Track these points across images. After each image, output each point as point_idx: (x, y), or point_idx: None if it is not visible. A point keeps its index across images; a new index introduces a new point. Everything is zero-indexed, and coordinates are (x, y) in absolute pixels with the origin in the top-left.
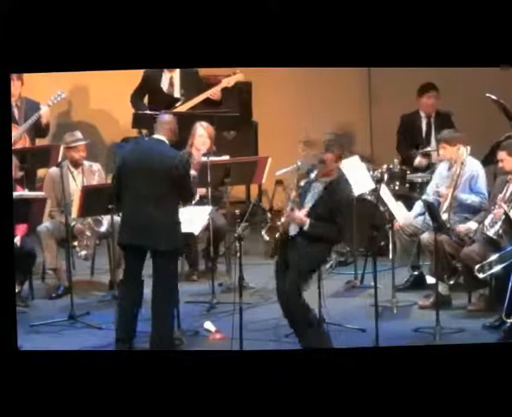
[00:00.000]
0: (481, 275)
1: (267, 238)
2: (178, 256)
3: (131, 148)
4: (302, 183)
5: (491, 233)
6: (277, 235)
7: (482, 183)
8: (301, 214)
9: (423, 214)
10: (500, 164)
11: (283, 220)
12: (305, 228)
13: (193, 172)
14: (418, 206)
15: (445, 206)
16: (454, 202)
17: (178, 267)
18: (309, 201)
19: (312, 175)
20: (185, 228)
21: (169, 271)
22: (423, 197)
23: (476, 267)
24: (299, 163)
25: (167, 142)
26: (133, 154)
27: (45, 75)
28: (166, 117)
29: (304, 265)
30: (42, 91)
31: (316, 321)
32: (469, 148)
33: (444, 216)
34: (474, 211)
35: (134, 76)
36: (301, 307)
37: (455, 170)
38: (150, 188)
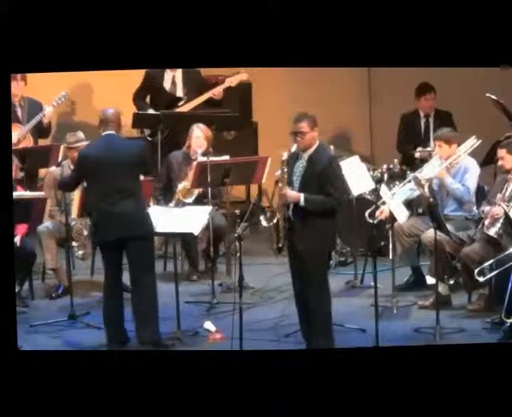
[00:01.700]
0: (481, 279)
1: (265, 224)
2: (152, 246)
3: (91, 149)
4: (284, 157)
5: (491, 232)
6: (275, 220)
7: (470, 178)
8: (294, 192)
9: (422, 214)
10: (500, 162)
11: (278, 203)
12: (301, 203)
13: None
14: (408, 189)
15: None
16: (438, 185)
17: (155, 260)
18: (297, 180)
19: (293, 149)
20: (185, 228)
21: (145, 261)
22: (414, 174)
23: (476, 270)
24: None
25: (117, 134)
26: (96, 153)
27: (46, 75)
28: (110, 113)
29: (312, 253)
30: (43, 91)
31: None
32: (477, 142)
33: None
34: (458, 202)
35: (135, 76)
36: (326, 303)
37: (455, 155)
38: (117, 182)
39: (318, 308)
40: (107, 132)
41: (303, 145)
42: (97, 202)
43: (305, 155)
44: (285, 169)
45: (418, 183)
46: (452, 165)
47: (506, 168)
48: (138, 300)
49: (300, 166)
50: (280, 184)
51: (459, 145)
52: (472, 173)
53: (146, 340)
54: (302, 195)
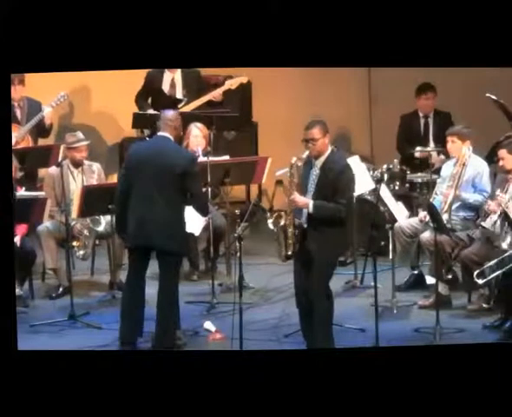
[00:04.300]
0: (480, 281)
1: (273, 227)
2: (183, 256)
3: (139, 148)
4: (299, 163)
5: (487, 225)
6: (281, 223)
7: (486, 181)
8: (303, 197)
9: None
10: (500, 162)
11: (288, 208)
12: (310, 209)
13: None
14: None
15: (446, 206)
16: (456, 202)
17: (179, 271)
18: (311, 188)
19: (304, 155)
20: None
21: (175, 271)
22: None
23: (476, 272)
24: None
25: (172, 139)
26: (140, 153)
27: (46, 75)
28: (169, 114)
29: (323, 259)
30: (43, 92)
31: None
32: (471, 148)
33: (445, 217)
34: (476, 210)
35: (134, 77)
36: (329, 307)
37: (457, 171)
38: (157, 188)
39: (323, 310)
40: (160, 133)
41: (315, 152)
42: (134, 203)
43: (318, 163)
44: (295, 174)
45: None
46: (460, 177)
47: (506, 168)
48: (160, 305)
49: (314, 173)
50: (289, 189)
51: (470, 143)
52: (485, 177)
53: (162, 347)
54: (311, 202)
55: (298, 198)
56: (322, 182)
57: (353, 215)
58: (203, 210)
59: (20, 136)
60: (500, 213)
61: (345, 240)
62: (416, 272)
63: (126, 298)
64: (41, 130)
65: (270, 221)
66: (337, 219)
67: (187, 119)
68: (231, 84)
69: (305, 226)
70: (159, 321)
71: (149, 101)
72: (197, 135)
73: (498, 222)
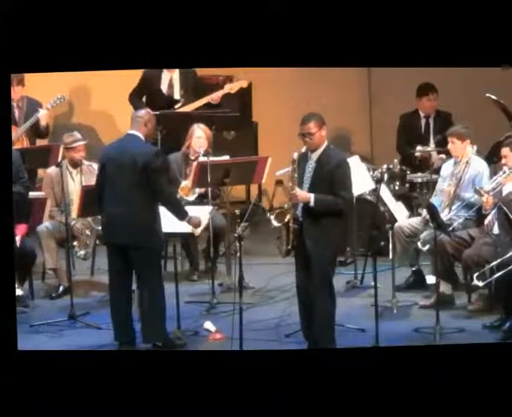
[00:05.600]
0: (480, 283)
1: (276, 224)
2: (160, 253)
3: (110, 147)
4: (295, 157)
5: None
6: (286, 219)
7: (486, 181)
8: (304, 192)
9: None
10: (503, 160)
11: (287, 205)
12: (311, 203)
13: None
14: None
15: (446, 205)
16: (456, 201)
17: (162, 264)
18: (307, 181)
19: (303, 150)
20: (185, 229)
21: (152, 269)
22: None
23: (476, 274)
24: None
25: (141, 137)
26: (110, 152)
27: (45, 76)
28: (140, 112)
29: (322, 257)
30: (43, 92)
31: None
32: (475, 147)
33: (445, 212)
34: (476, 210)
35: (133, 77)
36: (330, 306)
37: (459, 169)
38: (124, 186)
39: (324, 309)
40: (129, 131)
41: (313, 146)
42: (106, 203)
43: (314, 156)
44: (295, 169)
45: (479, 194)
46: (463, 175)
47: (510, 166)
48: (142, 305)
49: (310, 167)
50: (290, 184)
51: (470, 143)
52: (485, 177)
53: (150, 341)
54: (312, 196)
55: (300, 193)
56: (318, 174)
57: (353, 214)
58: (174, 209)
59: (15, 137)
60: (502, 218)
61: (344, 236)
62: (414, 269)
63: (111, 299)
64: (37, 131)
65: (272, 217)
66: (337, 212)
67: (186, 119)
68: (230, 88)
69: (301, 219)
70: (143, 322)
71: (144, 100)
72: (200, 137)
73: (496, 223)
